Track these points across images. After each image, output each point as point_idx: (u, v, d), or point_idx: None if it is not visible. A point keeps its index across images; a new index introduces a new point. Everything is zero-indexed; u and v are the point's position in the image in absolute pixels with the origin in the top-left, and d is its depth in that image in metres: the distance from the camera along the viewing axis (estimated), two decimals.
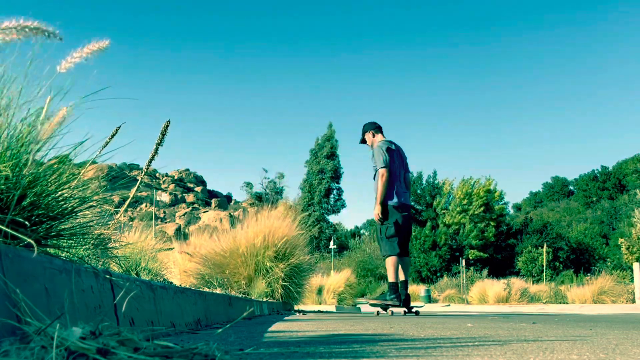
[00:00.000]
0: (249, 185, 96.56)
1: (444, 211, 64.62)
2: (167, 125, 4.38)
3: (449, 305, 32.26)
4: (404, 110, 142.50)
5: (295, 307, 14.42)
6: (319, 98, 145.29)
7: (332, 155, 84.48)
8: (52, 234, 2.50)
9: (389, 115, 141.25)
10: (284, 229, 12.63)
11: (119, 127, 3.53)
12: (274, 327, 4.83)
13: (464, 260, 37.09)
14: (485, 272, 44.29)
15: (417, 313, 10.30)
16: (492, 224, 62.14)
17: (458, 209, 63.75)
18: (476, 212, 62.43)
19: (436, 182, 67.79)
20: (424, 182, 68.06)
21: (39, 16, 2.14)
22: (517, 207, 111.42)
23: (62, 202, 2.52)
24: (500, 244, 63.34)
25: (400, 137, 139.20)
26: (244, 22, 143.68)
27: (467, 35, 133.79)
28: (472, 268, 51.74)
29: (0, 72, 2.28)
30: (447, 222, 63.40)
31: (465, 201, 63.15)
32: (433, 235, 63.44)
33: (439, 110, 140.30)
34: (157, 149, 4.31)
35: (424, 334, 3.93)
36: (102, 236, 3.09)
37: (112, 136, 3.40)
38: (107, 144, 3.24)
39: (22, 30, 1.97)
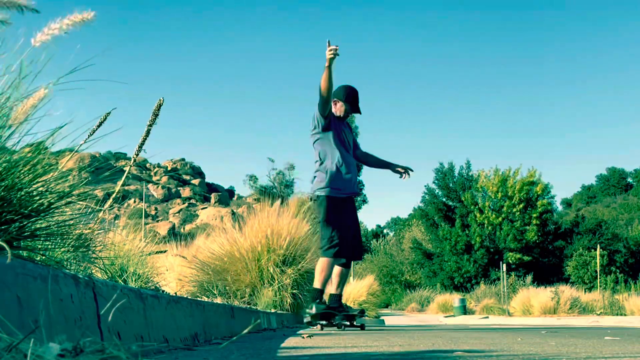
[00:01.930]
0: (252, 178, 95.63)
1: (473, 207, 63.93)
2: (160, 105, 4.35)
3: (487, 317, 32.21)
4: (433, 91, 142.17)
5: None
6: (336, 78, 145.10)
7: None
8: (26, 234, 2.49)
9: (417, 97, 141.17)
10: (291, 228, 12.54)
11: (109, 112, 3.52)
12: (284, 344, 4.82)
13: (504, 265, 36.94)
14: (529, 278, 44.12)
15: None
16: (535, 222, 61.40)
17: (489, 203, 63.17)
18: (514, 210, 61.71)
19: (470, 174, 67.11)
20: (455, 174, 67.45)
21: None
22: (567, 203, 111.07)
23: (37, 197, 2.51)
24: (546, 245, 62.78)
25: (430, 121, 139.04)
26: None
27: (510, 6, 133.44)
28: (513, 274, 51.56)
29: None
30: (479, 220, 62.81)
31: (500, 195, 62.49)
32: (466, 235, 63.01)
33: (475, 90, 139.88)
34: (148, 132, 4.28)
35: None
36: (83, 237, 3.09)
37: (101, 123, 3.39)
38: (94, 132, 3.24)
39: None
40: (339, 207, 9.50)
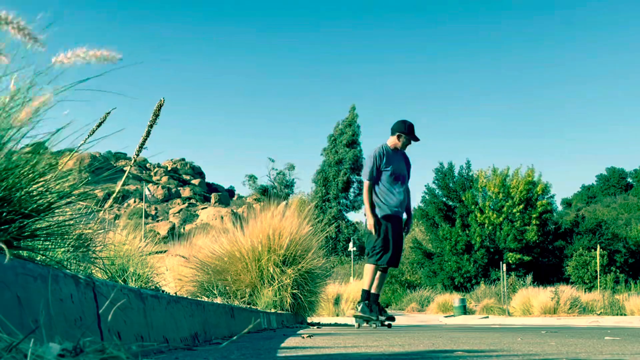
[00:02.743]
0: (252, 178, 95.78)
1: (473, 206, 63.90)
2: (161, 105, 4.36)
3: (487, 317, 32.20)
4: (436, 91, 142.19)
5: (309, 320, 14.42)
6: (339, 78, 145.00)
7: (353, 143, 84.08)
8: (26, 234, 2.49)
9: (419, 98, 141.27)
10: (292, 229, 12.54)
11: (109, 112, 3.52)
12: (284, 343, 4.82)
13: (504, 265, 36.88)
14: (529, 278, 44.06)
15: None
16: (535, 222, 61.30)
17: (489, 203, 63.13)
18: (514, 210, 61.64)
19: (470, 173, 66.99)
20: (455, 174, 67.35)
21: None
22: (567, 203, 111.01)
23: (37, 197, 2.51)
24: (546, 245, 62.59)
25: (431, 122, 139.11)
26: None
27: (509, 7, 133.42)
28: (513, 274, 51.58)
29: None
30: (480, 220, 62.76)
31: (501, 196, 62.39)
32: (466, 235, 62.95)
33: (475, 90, 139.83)
34: (149, 132, 4.29)
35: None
36: (83, 237, 3.09)
37: (100, 124, 3.39)
38: (93, 132, 3.24)
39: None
40: (384, 224, 11.25)
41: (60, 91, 2.48)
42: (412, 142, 11.70)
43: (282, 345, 4.58)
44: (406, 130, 11.50)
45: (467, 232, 63.21)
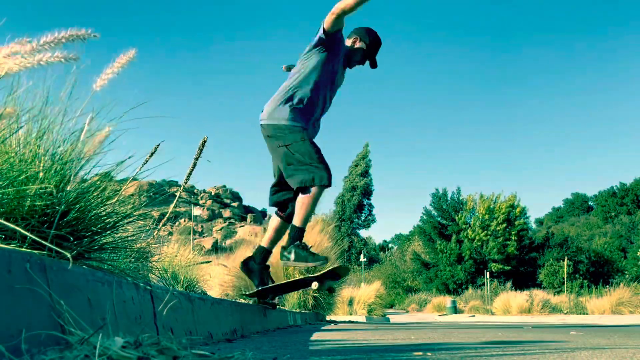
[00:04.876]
0: None
1: (465, 225, 64.34)
2: (205, 142, 4.39)
3: (473, 315, 32.08)
4: (432, 128, 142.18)
5: (327, 318, 14.39)
6: (357, 116, 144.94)
7: (365, 174, 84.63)
8: (95, 247, 2.50)
9: (419, 133, 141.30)
10: (314, 242, 12.57)
11: (158, 145, 3.53)
12: (312, 337, 4.81)
13: (488, 273, 36.82)
14: (508, 284, 43.95)
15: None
16: (514, 238, 61.79)
17: (479, 223, 63.48)
18: (497, 228, 62.10)
19: (460, 198, 67.49)
20: (448, 198, 67.85)
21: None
22: (540, 222, 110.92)
23: (105, 217, 2.52)
24: (523, 257, 62.87)
25: (427, 153, 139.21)
26: (290, 36, 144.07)
27: (493, 52, 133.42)
28: (495, 280, 51.61)
29: (44, 94, 2.29)
30: (470, 237, 63.12)
31: (487, 217, 62.81)
32: (458, 249, 63.22)
33: (465, 127, 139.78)
34: (194, 165, 4.31)
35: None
36: (142, 250, 3.10)
37: (152, 154, 3.40)
38: (146, 162, 3.25)
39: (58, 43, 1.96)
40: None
41: (118, 122, 2.50)
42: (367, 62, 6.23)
43: (306, 338, 4.57)
44: (366, 40, 6.14)
45: (460, 246, 63.44)
